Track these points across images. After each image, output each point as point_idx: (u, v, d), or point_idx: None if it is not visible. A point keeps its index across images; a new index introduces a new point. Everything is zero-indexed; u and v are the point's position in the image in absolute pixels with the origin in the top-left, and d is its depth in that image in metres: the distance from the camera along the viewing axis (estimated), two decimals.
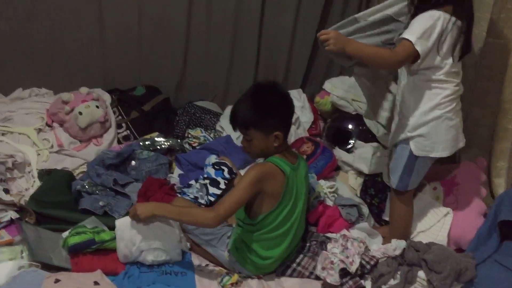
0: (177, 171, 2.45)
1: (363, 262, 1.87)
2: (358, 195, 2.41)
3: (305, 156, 2.42)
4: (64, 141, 2.46)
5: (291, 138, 2.62)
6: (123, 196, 2.16)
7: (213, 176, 2.19)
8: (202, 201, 2.11)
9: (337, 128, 2.73)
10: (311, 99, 2.98)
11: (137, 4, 2.71)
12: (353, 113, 2.71)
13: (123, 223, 1.80)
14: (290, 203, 1.81)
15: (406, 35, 1.76)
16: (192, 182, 2.21)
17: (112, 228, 1.96)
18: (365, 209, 2.24)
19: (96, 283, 1.68)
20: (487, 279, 1.85)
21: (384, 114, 2.40)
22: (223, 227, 1.92)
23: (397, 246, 1.95)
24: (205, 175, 2.20)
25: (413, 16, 1.83)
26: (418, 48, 1.74)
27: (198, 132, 2.66)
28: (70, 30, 2.69)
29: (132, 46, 2.82)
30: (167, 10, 2.76)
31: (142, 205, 1.76)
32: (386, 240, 2.07)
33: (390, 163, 2.12)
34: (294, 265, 1.91)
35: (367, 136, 2.62)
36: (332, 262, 1.83)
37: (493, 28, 2.21)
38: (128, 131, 2.67)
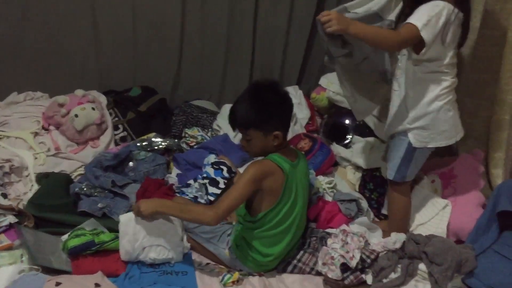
0: (175, 171, 2.44)
1: (364, 256, 1.87)
2: (357, 190, 2.41)
3: (303, 153, 2.42)
4: (61, 144, 2.45)
5: (289, 135, 2.62)
6: (122, 197, 2.16)
7: (212, 175, 2.18)
8: (202, 201, 2.11)
9: (334, 123, 2.73)
10: (307, 95, 2.98)
11: (131, 5, 2.70)
12: (350, 108, 2.71)
13: (127, 218, 1.83)
14: (290, 201, 1.81)
15: (411, 20, 1.74)
16: (191, 181, 2.21)
17: (111, 229, 1.96)
18: (364, 204, 2.24)
19: (97, 285, 1.68)
20: (487, 270, 1.86)
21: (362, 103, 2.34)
22: (223, 225, 1.92)
23: (397, 239, 1.95)
24: (204, 175, 2.20)
25: (412, 7, 1.81)
26: (424, 35, 1.72)
27: (195, 132, 2.66)
28: (64, 32, 2.68)
29: (127, 47, 2.81)
30: (161, 10, 2.76)
31: (145, 202, 1.79)
32: (386, 234, 2.07)
33: (386, 154, 2.12)
34: (295, 261, 1.91)
35: (364, 130, 2.63)
36: (332, 258, 1.83)
37: (488, 20, 2.21)
38: (125, 132, 2.66)
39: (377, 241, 1.99)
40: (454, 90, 1.95)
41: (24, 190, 2.19)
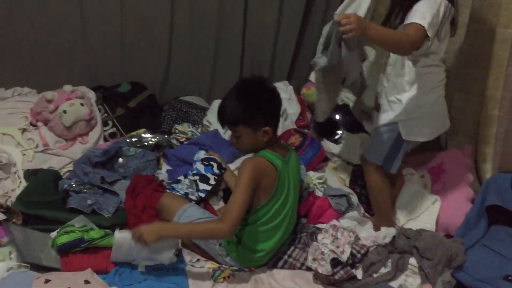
0: (165, 167, 2.43)
1: (354, 251, 1.87)
2: (347, 185, 2.42)
3: (293, 148, 2.42)
4: (49, 140, 2.43)
5: (279, 131, 2.62)
6: (111, 194, 2.14)
7: (203, 172, 2.18)
8: (193, 197, 2.10)
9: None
10: (297, 91, 2.98)
11: (120, 0, 2.67)
12: (340, 103, 2.72)
13: (122, 238, 1.76)
14: (282, 197, 1.82)
15: (416, 19, 1.73)
16: (181, 177, 2.20)
17: (101, 226, 1.95)
18: (354, 199, 2.25)
19: (86, 281, 1.66)
20: (476, 263, 1.88)
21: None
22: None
23: (386, 234, 1.96)
24: (195, 171, 2.19)
25: (409, 4, 1.81)
26: (430, 33, 1.73)
27: (185, 127, 2.65)
28: (52, 27, 2.65)
29: (115, 42, 2.78)
30: (149, 5, 2.73)
31: (148, 228, 1.69)
32: (376, 228, 2.08)
33: (370, 143, 2.11)
34: (286, 256, 1.92)
35: (354, 126, 2.63)
36: (322, 253, 1.84)
37: (477, 15, 2.23)
38: (114, 128, 2.64)
39: (367, 235, 2.01)
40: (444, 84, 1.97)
41: (12, 187, 2.17)
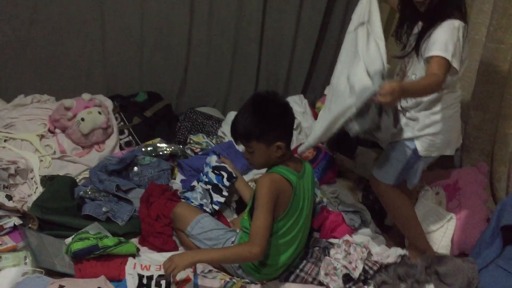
0: (179, 176, 2.45)
1: (366, 267, 1.86)
2: (360, 200, 2.41)
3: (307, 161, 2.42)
4: (66, 147, 2.46)
5: (293, 144, 2.62)
6: (126, 202, 2.17)
7: (214, 181, 2.18)
8: (208, 209, 2.10)
9: (338, 133, 2.72)
10: (312, 105, 2.99)
11: (140, 11, 2.72)
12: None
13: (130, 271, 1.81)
14: (297, 212, 1.81)
15: (438, 51, 1.71)
16: (195, 183, 2.20)
17: (114, 234, 1.97)
18: (368, 216, 2.24)
19: None
20: (490, 284, 1.85)
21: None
22: (227, 232, 1.92)
23: (390, 254, 1.94)
24: (206, 179, 2.18)
25: (426, 27, 1.79)
26: (455, 65, 1.72)
27: (200, 138, 2.67)
28: (72, 36, 2.70)
29: (134, 53, 2.83)
30: (169, 17, 2.78)
31: (178, 257, 1.64)
32: (411, 249, 2.05)
33: (381, 162, 2.05)
34: (297, 271, 1.91)
35: (368, 141, 2.63)
36: (335, 268, 1.83)
37: (493, 33, 2.22)
38: (130, 137, 2.68)
39: (381, 251, 1.98)
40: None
41: (28, 192, 2.20)
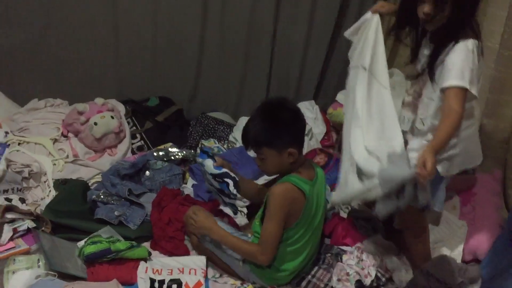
0: (190, 181, 2.46)
1: (379, 274, 1.86)
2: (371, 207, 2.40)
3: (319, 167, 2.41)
4: (79, 151, 2.48)
5: (304, 150, 2.62)
6: (138, 206, 2.18)
7: (219, 187, 2.13)
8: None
9: None
10: (323, 111, 2.99)
11: (152, 16, 2.74)
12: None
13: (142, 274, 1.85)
14: (310, 219, 1.81)
15: (455, 81, 1.63)
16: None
17: (127, 238, 1.98)
18: (379, 222, 2.23)
19: None
20: None
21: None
22: (240, 237, 1.92)
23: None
24: (211, 186, 2.13)
25: (438, 50, 1.72)
26: (474, 91, 1.65)
27: (211, 143, 2.68)
28: (85, 41, 2.73)
29: (146, 57, 2.85)
30: (181, 22, 2.79)
31: (202, 221, 1.87)
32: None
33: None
34: (309, 277, 1.91)
35: None
36: (347, 274, 1.83)
37: (507, 41, 2.22)
38: (142, 142, 2.69)
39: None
40: None
41: (41, 196, 2.22)
